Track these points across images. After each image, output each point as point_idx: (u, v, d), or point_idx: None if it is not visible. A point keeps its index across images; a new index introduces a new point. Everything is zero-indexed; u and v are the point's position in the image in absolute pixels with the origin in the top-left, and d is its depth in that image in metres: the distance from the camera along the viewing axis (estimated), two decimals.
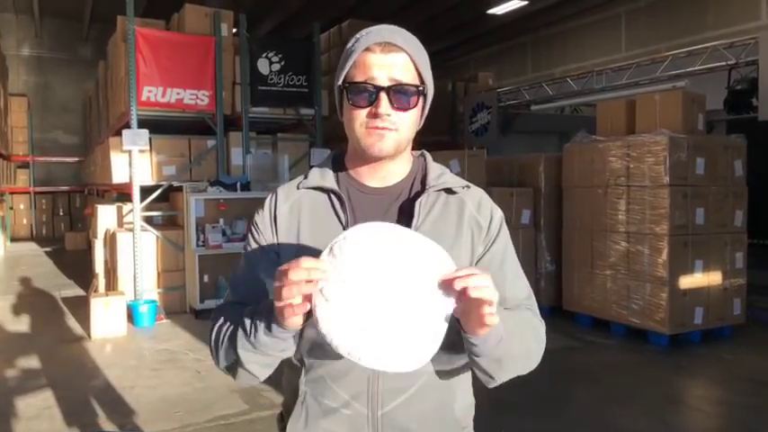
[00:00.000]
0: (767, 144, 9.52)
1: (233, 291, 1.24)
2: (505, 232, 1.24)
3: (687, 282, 5.40)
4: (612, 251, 5.83)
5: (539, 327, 1.20)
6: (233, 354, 1.09)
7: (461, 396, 1.22)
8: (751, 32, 7.92)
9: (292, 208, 1.20)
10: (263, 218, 1.22)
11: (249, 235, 1.25)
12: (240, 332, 1.07)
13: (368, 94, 1.09)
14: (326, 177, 1.21)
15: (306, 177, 1.23)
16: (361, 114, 1.10)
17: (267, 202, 1.23)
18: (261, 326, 1.03)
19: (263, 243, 1.20)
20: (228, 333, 1.12)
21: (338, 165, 1.24)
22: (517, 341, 1.09)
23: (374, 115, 1.09)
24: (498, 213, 1.24)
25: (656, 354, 5.25)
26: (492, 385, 1.13)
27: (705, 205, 5.51)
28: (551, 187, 6.74)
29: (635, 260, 5.61)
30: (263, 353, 1.06)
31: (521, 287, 1.23)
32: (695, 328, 5.48)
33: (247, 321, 1.05)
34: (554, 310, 6.60)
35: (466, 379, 1.24)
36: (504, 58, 15.48)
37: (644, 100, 6.02)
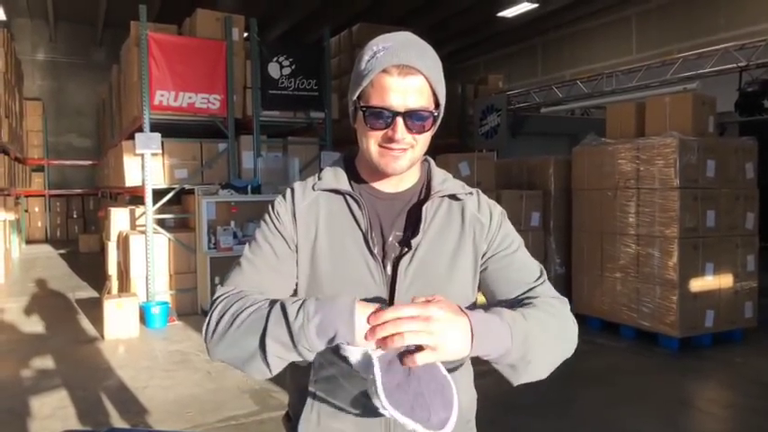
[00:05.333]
0: None
1: (244, 276, 1.17)
2: (507, 225, 1.28)
3: (698, 285, 5.38)
4: (622, 254, 5.81)
5: (558, 308, 1.18)
6: (253, 341, 1.02)
7: (464, 391, 1.24)
8: (762, 34, 7.88)
9: (310, 208, 1.20)
10: (285, 210, 1.21)
11: (269, 221, 1.21)
12: (273, 320, 1.00)
13: (384, 118, 1.11)
14: (341, 180, 1.22)
15: (320, 178, 1.23)
16: (377, 135, 1.13)
17: (288, 195, 1.23)
18: (314, 321, 0.97)
19: (285, 233, 1.19)
20: (249, 320, 1.04)
21: (349, 167, 1.26)
22: (535, 345, 1.06)
23: (389, 139, 1.11)
24: (498, 209, 1.28)
25: (666, 357, 5.23)
26: (515, 384, 1.13)
27: (716, 208, 5.49)
28: (561, 190, 6.74)
29: (645, 263, 5.59)
30: (293, 347, 0.99)
31: (531, 271, 1.25)
32: (706, 331, 5.46)
33: (292, 310, 0.99)
34: None
35: (467, 374, 1.28)
36: (514, 61, 15.47)
37: (654, 102, 6.01)
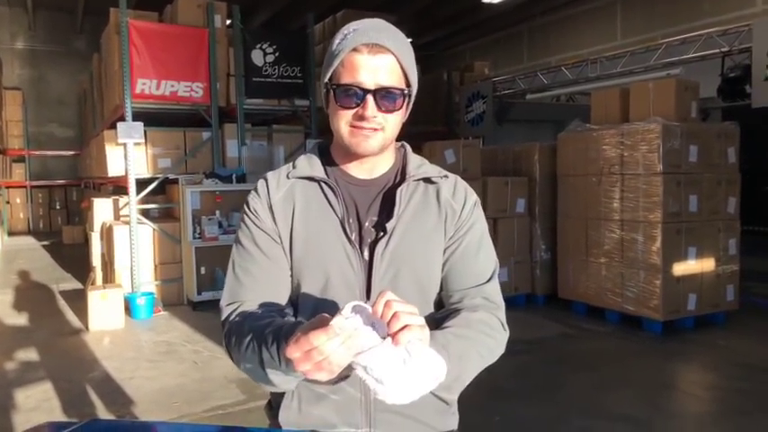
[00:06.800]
0: (761, 131, 9.55)
1: (244, 289, 1.18)
2: (478, 216, 1.27)
3: (680, 269, 5.44)
4: (607, 239, 5.86)
5: (490, 322, 1.19)
6: (262, 373, 1.05)
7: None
8: (747, 19, 7.91)
9: (286, 197, 1.20)
10: (262, 206, 1.20)
11: (248, 221, 1.21)
12: (267, 357, 1.02)
13: (355, 96, 1.10)
14: (315, 167, 1.22)
15: (294, 167, 1.23)
16: (347, 115, 1.12)
17: (261, 189, 1.22)
18: (283, 364, 0.98)
19: (266, 228, 1.19)
20: (250, 352, 1.06)
21: (324, 155, 1.26)
22: (463, 365, 1.09)
23: (360, 117, 1.11)
24: (473, 198, 1.28)
25: (650, 340, 5.29)
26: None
27: (698, 192, 5.54)
28: (546, 176, 6.76)
29: (629, 248, 5.64)
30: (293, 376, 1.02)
31: (485, 267, 1.26)
32: (689, 314, 5.53)
33: (271, 353, 1.01)
34: (549, 298, 6.64)
35: None
36: (499, 48, 15.43)
37: (638, 88, 6.03)
